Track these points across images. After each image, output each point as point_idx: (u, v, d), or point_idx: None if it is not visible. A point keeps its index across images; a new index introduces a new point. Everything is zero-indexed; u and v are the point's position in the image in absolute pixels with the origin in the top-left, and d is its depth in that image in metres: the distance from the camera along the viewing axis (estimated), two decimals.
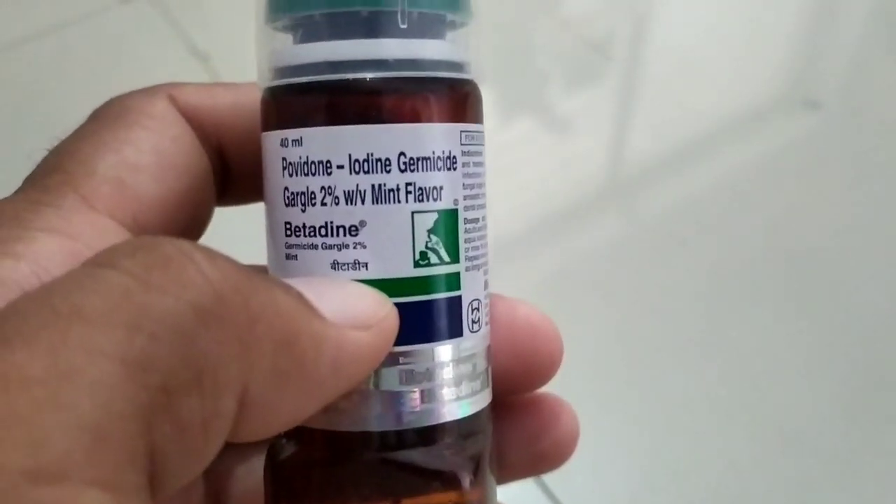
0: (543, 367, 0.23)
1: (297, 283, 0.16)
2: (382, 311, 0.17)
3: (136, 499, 0.12)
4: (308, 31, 0.19)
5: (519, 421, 0.23)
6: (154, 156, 0.19)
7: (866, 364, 0.55)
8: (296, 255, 0.18)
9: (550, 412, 0.23)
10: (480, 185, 0.19)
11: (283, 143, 0.18)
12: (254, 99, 0.20)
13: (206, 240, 0.22)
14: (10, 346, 0.12)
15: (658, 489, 0.49)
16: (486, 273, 0.20)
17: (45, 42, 0.65)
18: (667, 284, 0.58)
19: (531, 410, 0.23)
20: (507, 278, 0.55)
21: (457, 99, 0.19)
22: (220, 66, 0.64)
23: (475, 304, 0.19)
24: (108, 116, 0.20)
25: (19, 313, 0.13)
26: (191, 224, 0.21)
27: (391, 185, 0.18)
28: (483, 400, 0.20)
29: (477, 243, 0.19)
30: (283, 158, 0.18)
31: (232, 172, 0.22)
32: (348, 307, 0.17)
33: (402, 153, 0.18)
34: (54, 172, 0.18)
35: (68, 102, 0.63)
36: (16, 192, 0.19)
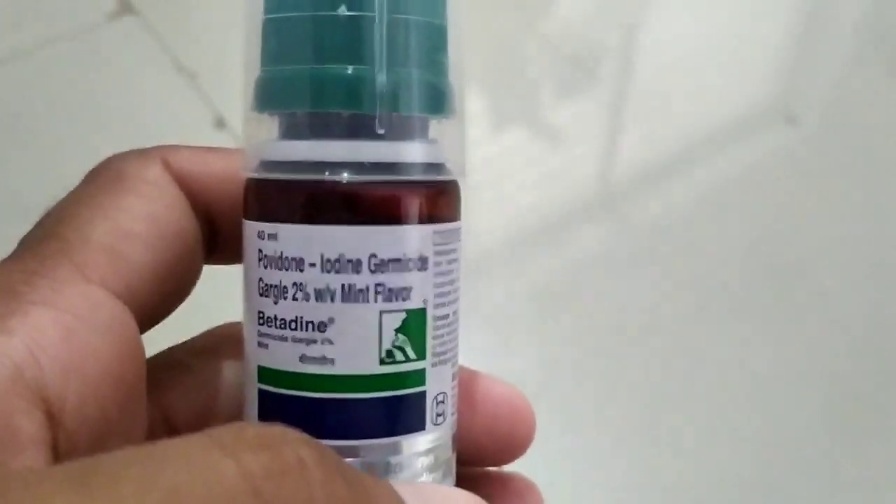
0: (517, 446, 0.23)
1: (406, 492, 0.16)
2: None
3: None
4: (290, 127, 0.19)
5: (487, 499, 0.23)
6: (148, 223, 0.20)
7: (849, 377, 0.55)
8: (267, 345, 0.19)
9: (518, 495, 0.24)
10: (452, 282, 0.20)
11: (260, 236, 0.19)
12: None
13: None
14: (87, 495, 0.12)
15: None
16: (454, 365, 0.20)
17: (31, 60, 0.66)
18: (650, 298, 0.59)
19: (500, 491, 0.24)
20: (492, 290, 0.56)
21: (432, 200, 0.19)
22: (207, 83, 0.64)
23: (440, 398, 0.20)
24: (104, 180, 0.20)
25: (120, 464, 0.12)
26: (180, 288, 0.22)
27: (361, 285, 0.18)
28: None
29: (445, 338, 0.20)
30: (259, 250, 0.19)
31: (220, 236, 0.22)
32: None
33: (373, 255, 0.18)
34: (51, 239, 0.19)
35: (55, 120, 0.65)
36: (12, 256, 0.19)
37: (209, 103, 0.63)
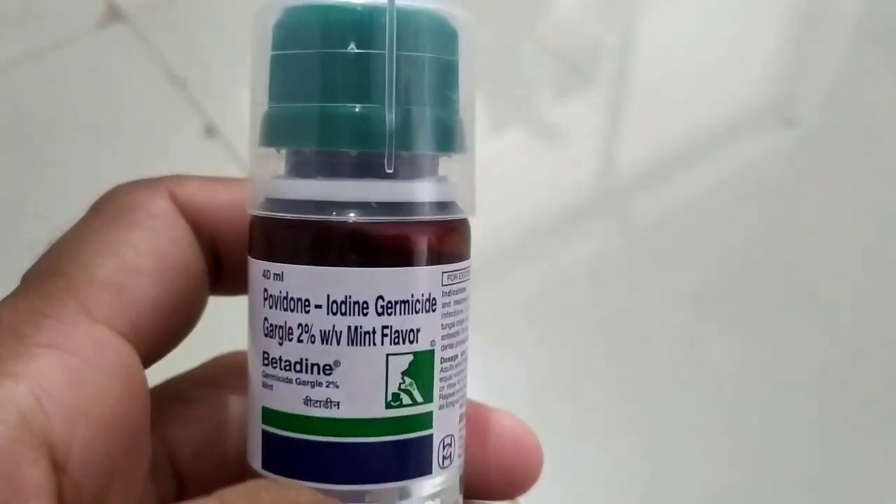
0: (524, 480, 0.23)
1: None
2: None
3: None
4: (297, 165, 0.19)
5: None
6: (154, 258, 0.19)
7: (849, 379, 0.55)
8: (271, 385, 0.19)
9: None
10: (461, 322, 0.19)
11: (266, 275, 0.18)
12: None
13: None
14: None
15: None
16: (461, 406, 0.20)
17: (20, 67, 0.65)
18: (648, 299, 0.58)
19: None
20: (490, 293, 0.56)
21: (441, 241, 0.19)
22: (197, 91, 0.64)
23: (447, 441, 0.19)
24: (109, 213, 0.20)
25: None
26: (185, 323, 0.21)
27: (367, 327, 0.18)
28: None
29: (453, 380, 0.19)
30: (265, 289, 0.19)
31: (225, 268, 0.22)
32: None
33: (379, 297, 0.18)
34: (55, 276, 0.18)
35: (44, 128, 0.64)
36: (16, 293, 0.18)
37: (199, 111, 0.62)
